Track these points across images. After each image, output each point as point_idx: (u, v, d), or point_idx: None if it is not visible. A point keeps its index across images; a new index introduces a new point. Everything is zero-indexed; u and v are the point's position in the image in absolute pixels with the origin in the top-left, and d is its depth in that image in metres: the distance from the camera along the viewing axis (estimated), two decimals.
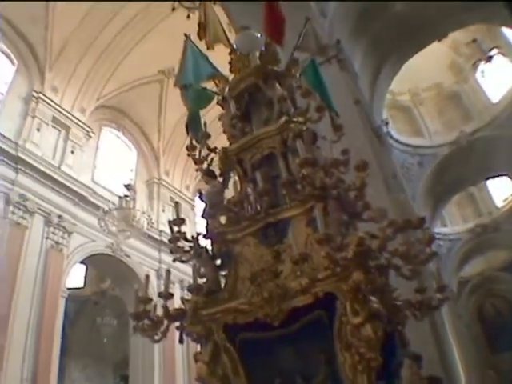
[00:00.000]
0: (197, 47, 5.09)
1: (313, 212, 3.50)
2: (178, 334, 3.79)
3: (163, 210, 20.97)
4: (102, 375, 24.52)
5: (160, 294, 3.90)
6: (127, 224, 14.16)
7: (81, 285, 24.50)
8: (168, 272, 4.10)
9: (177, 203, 4.51)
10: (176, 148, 22.34)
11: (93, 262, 18.01)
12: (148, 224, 14.72)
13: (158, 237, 19.13)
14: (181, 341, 3.77)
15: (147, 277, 4.25)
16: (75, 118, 18.35)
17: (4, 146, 14.97)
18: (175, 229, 4.01)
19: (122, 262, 17.84)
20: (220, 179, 4.26)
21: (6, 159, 14.98)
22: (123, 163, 21.58)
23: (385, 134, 8.61)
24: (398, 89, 18.51)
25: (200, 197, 4.24)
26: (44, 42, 17.74)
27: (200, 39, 5.24)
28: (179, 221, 4.03)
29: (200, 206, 19.77)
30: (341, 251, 3.06)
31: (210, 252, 3.92)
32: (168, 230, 13.68)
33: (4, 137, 15.17)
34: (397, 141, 17.23)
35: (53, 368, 13.64)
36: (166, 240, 17.85)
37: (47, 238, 15.27)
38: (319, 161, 3.69)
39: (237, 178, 4.20)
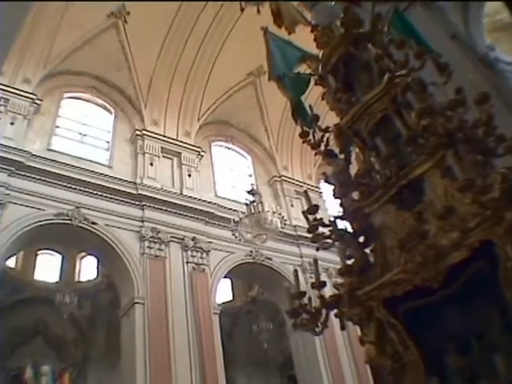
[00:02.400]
0: (278, 36, 5.04)
1: (445, 161, 3.32)
2: (335, 322, 3.74)
3: (292, 205, 20.94)
4: (269, 380, 25.00)
5: (312, 285, 3.88)
6: (261, 228, 14.25)
7: (230, 298, 25.19)
8: (315, 261, 4.07)
9: (306, 192, 4.47)
10: (287, 141, 22.35)
11: (236, 273, 18.37)
12: (281, 222, 14.73)
13: (293, 232, 19.12)
14: (342, 327, 3.72)
15: (296, 271, 4.24)
16: (183, 142, 18.93)
17: (126, 189, 15.83)
18: (311, 217, 3.95)
19: (265, 265, 18.03)
20: (341, 156, 4.16)
21: (130, 200, 15.80)
22: (240, 171, 21.94)
23: (494, 60, 8.07)
24: (494, 8, 17.27)
25: (326, 180, 4.17)
26: (132, 83, 18.65)
27: (279, 27, 5.18)
28: (313, 208, 3.97)
29: (327, 191, 19.65)
30: (486, 193, 2.87)
31: (351, 231, 3.83)
32: (302, 224, 13.67)
33: (123, 180, 15.97)
34: (509, 63, 16.06)
35: (221, 383, 14.10)
36: (302, 233, 17.92)
37: (187, 262, 15.84)
38: (435, 107, 3.50)
39: (357, 150, 4.08)
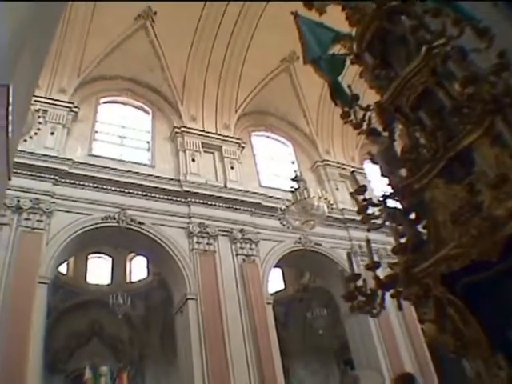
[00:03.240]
0: (309, 19, 4.96)
1: (493, 129, 3.21)
2: (389, 304, 3.68)
3: (337, 189, 20.83)
4: (325, 366, 25.11)
5: (367, 266, 3.84)
6: (308, 214, 14.21)
7: (282, 287, 25.24)
8: (368, 242, 4.02)
9: (352, 173, 4.42)
10: (327, 124, 22.25)
11: (286, 261, 18.40)
12: (328, 207, 14.67)
13: (341, 216, 19.04)
14: (400, 307, 3.66)
15: (349, 254, 4.21)
16: (222, 135, 19.08)
17: (170, 187, 16.05)
18: (360, 198, 3.89)
19: (315, 251, 18.02)
20: (385, 134, 4.07)
21: (175, 197, 16.00)
22: (282, 159, 21.93)
23: None
24: None
25: (371, 159, 4.09)
26: (166, 82, 18.96)
27: (309, 9, 5.10)
28: (361, 188, 3.92)
29: (371, 171, 19.45)
30: None
31: (402, 209, 3.75)
32: (349, 206, 13.62)
33: (167, 178, 16.17)
34: None
35: (278, 373, 14.29)
36: (350, 216, 17.84)
37: (237, 254, 15.99)
38: (479, 74, 3.38)
39: (401, 126, 3.98)
